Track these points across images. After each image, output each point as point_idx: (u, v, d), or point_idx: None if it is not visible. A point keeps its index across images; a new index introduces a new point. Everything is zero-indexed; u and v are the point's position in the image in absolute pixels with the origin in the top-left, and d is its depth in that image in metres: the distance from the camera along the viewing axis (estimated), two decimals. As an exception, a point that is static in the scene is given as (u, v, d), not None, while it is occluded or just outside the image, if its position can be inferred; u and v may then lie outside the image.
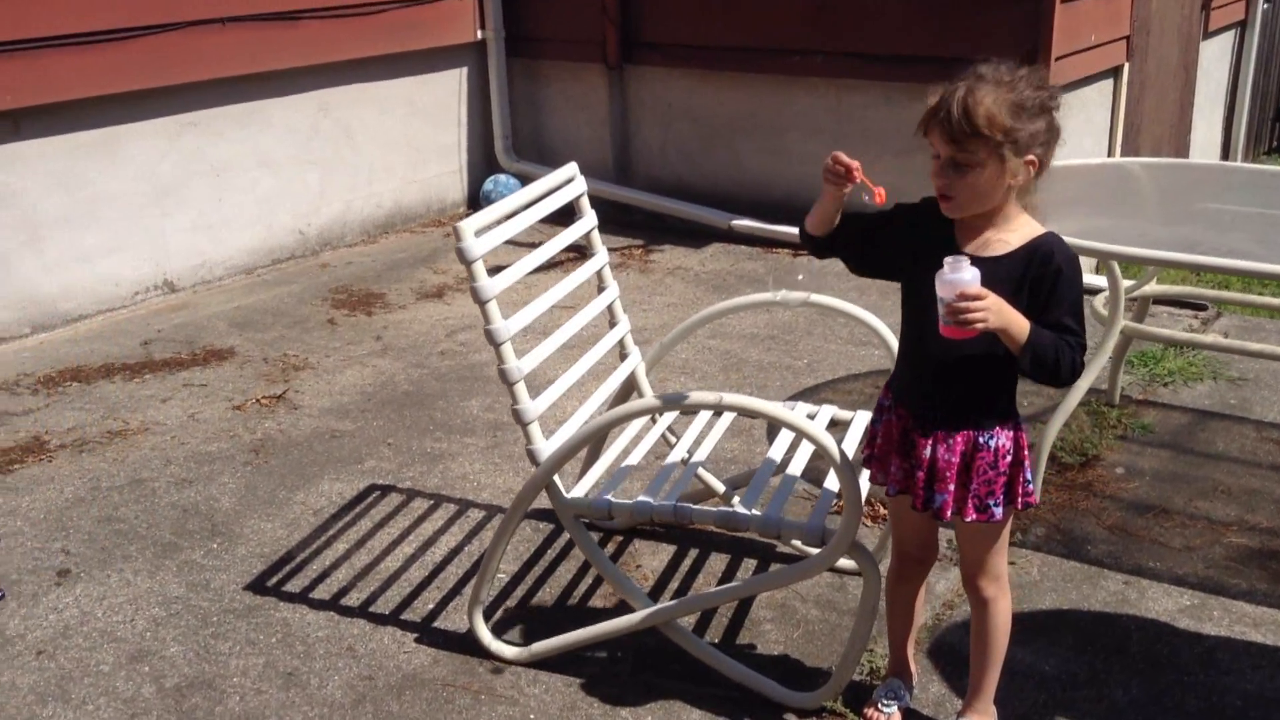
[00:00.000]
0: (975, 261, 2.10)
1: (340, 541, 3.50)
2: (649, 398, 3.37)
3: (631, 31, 6.67)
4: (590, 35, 6.74)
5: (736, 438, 4.04)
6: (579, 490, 2.88)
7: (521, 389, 2.79)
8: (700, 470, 3.41)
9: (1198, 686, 2.80)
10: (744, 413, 2.77)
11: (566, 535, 3.45)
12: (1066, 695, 2.78)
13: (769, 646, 2.99)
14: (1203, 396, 4.37)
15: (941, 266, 2.09)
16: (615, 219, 6.71)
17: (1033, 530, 3.47)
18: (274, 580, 3.31)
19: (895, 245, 2.34)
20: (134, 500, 3.74)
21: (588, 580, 3.28)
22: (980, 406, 2.28)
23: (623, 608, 2.98)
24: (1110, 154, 6.47)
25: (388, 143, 6.67)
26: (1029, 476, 2.31)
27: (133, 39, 5.32)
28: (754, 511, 2.70)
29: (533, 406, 2.80)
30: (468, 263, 2.71)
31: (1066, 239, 3.17)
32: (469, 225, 2.72)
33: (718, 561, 3.36)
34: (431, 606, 3.18)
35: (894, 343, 2.82)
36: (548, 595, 3.23)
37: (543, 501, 2.87)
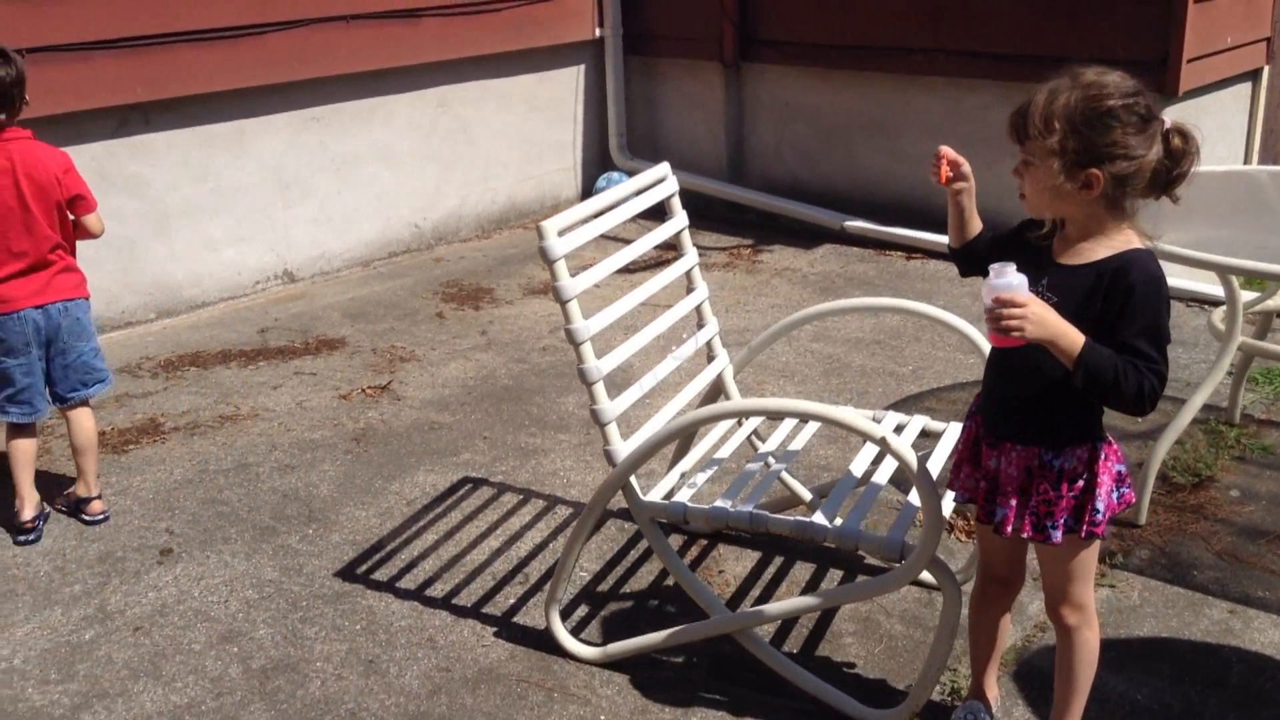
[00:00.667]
0: (1053, 268, 2.04)
1: (430, 532, 3.56)
2: (735, 400, 3.34)
3: (749, 29, 6.62)
4: (708, 33, 6.71)
5: (832, 445, 3.98)
6: (657, 493, 2.86)
7: (600, 389, 2.79)
8: (786, 476, 3.37)
9: (1301, 726, 2.65)
10: (817, 419, 2.72)
11: (652, 536, 3.44)
12: (1157, 727, 2.66)
13: (850, 660, 2.93)
14: (1332, 418, 4.14)
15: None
16: (727, 218, 6.69)
17: (1136, 553, 3.34)
18: (363, 568, 3.37)
19: (1008, 256, 2.28)
20: (238, 484, 3.86)
21: (669, 583, 3.26)
22: (1051, 424, 2.19)
23: (701, 613, 2.96)
24: (1247, 161, 6.19)
25: (504, 139, 6.75)
26: (1099, 506, 2.21)
27: (261, 35, 5.48)
28: (834, 523, 2.65)
29: (611, 407, 2.80)
30: (550, 262, 2.72)
31: (1180, 250, 3.08)
32: (552, 225, 2.73)
33: (802, 570, 3.31)
34: (513, 601, 3.20)
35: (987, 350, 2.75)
36: (628, 596, 3.22)
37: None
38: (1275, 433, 4.04)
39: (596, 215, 2.93)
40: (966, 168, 2.37)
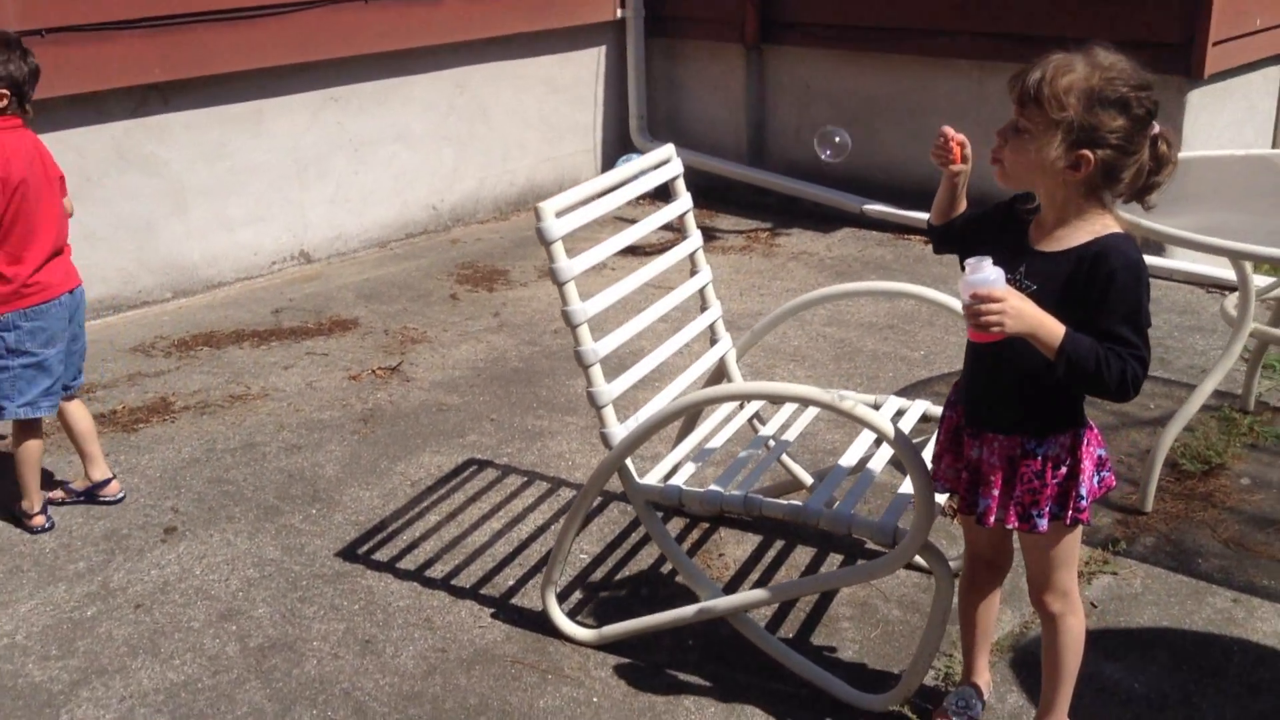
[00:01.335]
0: (1030, 256, 2.00)
1: (432, 513, 3.57)
2: (731, 384, 3.33)
3: (771, 11, 6.57)
4: (729, 15, 6.67)
5: (839, 429, 3.95)
6: (653, 476, 2.85)
7: (597, 371, 2.78)
8: (787, 459, 3.35)
9: (1301, 718, 2.62)
10: (803, 402, 2.70)
11: (653, 519, 3.43)
12: (1153, 716, 2.63)
13: (845, 645, 2.92)
14: (1351, 406, 4.07)
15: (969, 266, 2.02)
16: (748, 201, 6.66)
17: (1140, 540, 3.30)
18: (364, 548, 3.39)
19: (982, 239, 2.25)
20: (245, 463, 3.88)
21: (668, 567, 3.26)
22: (1032, 413, 2.16)
23: (697, 596, 2.95)
24: (1276, 145, 6.08)
25: (523, 120, 6.74)
26: (1083, 492, 2.18)
27: (279, 15, 5.49)
28: (826, 507, 2.64)
29: (607, 389, 2.79)
30: (547, 243, 2.71)
31: (1192, 235, 3.02)
32: (551, 206, 2.72)
33: (803, 554, 3.29)
34: (511, 583, 3.21)
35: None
36: (626, 579, 3.22)
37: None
38: (1291, 421, 3.98)
39: (598, 196, 2.92)
40: (969, 149, 2.34)
